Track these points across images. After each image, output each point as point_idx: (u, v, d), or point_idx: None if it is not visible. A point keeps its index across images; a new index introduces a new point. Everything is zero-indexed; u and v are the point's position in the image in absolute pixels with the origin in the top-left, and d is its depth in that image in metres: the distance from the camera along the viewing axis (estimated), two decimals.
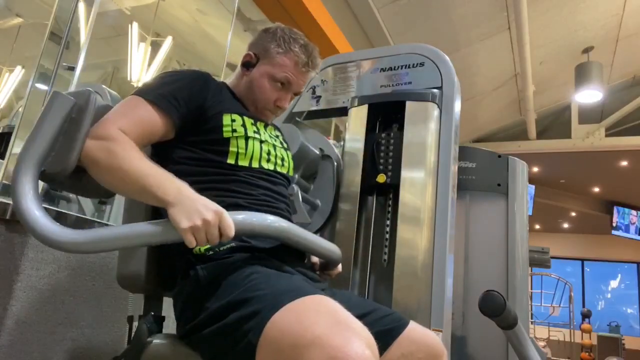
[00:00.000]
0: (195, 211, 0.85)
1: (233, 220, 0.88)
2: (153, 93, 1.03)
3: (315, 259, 1.27)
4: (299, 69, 1.18)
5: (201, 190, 0.93)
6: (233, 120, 1.10)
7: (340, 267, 1.28)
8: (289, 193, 1.26)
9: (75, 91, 0.99)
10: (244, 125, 1.12)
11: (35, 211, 0.85)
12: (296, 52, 1.17)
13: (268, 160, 1.15)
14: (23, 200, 0.85)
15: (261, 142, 1.14)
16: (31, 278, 1.35)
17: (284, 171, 1.20)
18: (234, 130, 1.09)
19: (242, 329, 0.82)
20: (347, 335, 0.72)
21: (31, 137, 0.90)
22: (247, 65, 1.20)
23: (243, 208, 1.03)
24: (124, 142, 0.94)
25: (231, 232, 0.87)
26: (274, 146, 1.19)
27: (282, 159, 1.21)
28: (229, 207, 0.98)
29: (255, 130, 1.14)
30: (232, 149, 1.08)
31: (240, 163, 1.09)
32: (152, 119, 1.01)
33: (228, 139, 1.08)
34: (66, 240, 0.85)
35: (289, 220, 1.14)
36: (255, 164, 1.11)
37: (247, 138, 1.10)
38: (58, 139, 0.91)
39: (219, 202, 0.91)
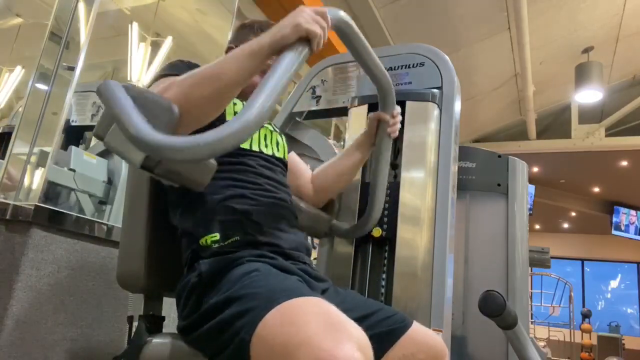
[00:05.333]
0: (292, 15, 0.88)
1: None
2: (178, 71, 1.03)
3: (379, 114, 1.32)
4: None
5: (213, 180, 0.96)
6: (234, 103, 1.16)
7: (398, 108, 1.34)
8: (306, 170, 1.30)
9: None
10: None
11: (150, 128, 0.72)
12: None
13: (266, 145, 1.21)
14: (135, 122, 0.72)
15: None
16: (31, 278, 1.35)
17: (280, 156, 1.25)
18: (235, 113, 1.14)
19: (236, 326, 0.82)
20: (338, 337, 0.71)
21: (117, 108, 0.76)
22: None
23: (248, 199, 1.06)
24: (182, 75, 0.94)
25: (325, 10, 0.90)
26: (270, 131, 1.25)
27: (277, 143, 1.26)
28: (237, 197, 1.05)
29: None
30: None
31: (242, 144, 1.12)
32: None
33: None
34: (191, 144, 0.71)
35: (293, 212, 1.17)
36: (255, 147, 1.17)
37: None
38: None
39: (227, 189, 1.00)
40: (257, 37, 0.90)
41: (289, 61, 0.83)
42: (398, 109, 1.33)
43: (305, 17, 0.86)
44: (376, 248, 1.48)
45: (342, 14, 0.97)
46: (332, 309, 0.79)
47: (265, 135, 1.22)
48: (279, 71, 0.81)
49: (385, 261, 1.45)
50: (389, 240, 1.44)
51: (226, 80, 0.90)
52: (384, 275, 1.44)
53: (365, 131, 1.37)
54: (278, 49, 0.86)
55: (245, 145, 1.13)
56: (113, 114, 0.77)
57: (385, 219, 1.45)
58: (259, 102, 0.76)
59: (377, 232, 1.43)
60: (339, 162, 1.40)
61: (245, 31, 1.25)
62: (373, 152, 1.38)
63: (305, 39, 0.86)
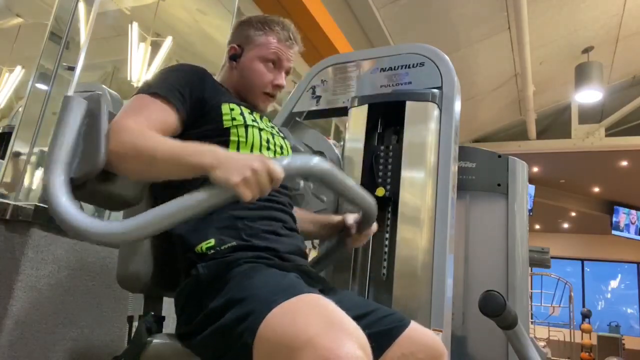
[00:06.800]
0: (240, 165, 0.84)
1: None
2: (158, 89, 1.04)
3: (350, 220, 1.27)
4: (284, 44, 1.22)
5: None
6: (232, 109, 1.12)
7: (375, 225, 1.28)
8: (295, 188, 1.26)
9: (86, 94, 0.98)
10: (242, 114, 1.14)
11: (72, 209, 0.82)
12: (276, 30, 1.21)
13: (268, 149, 1.17)
14: (58, 199, 0.82)
15: (260, 130, 1.15)
16: (31, 278, 1.35)
17: None
18: (233, 119, 1.11)
19: (238, 329, 0.82)
20: (340, 336, 0.72)
21: (53, 143, 0.88)
22: (234, 57, 1.23)
23: (246, 203, 1.04)
24: (141, 128, 0.95)
25: (280, 174, 0.86)
26: (272, 134, 1.21)
27: (281, 147, 1.22)
28: (232, 202, 1.01)
29: (253, 119, 1.16)
30: (233, 138, 1.09)
31: (242, 151, 1.10)
32: (162, 114, 1.02)
33: (228, 129, 1.09)
34: (111, 232, 0.82)
35: (291, 215, 1.16)
36: (255, 152, 1.13)
37: (246, 126, 1.12)
38: (78, 143, 0.89)
39: None
40: (203, 151, 0.89)
41: (201, 199, 0.84)
42: (373, 229, 1.28)
43: (249, 179, 0.83)
44: (379, 208, 1.48)
45: (315, 164, 0.94)
46: (332, 307, 0.79)
47: (268, 139, 1.18)
48: (187, 202, 0.84)
49: (389, 222, 1.46)
50: (392, 200, 1.45)
51: (158, 170, 0.93)
52: (387, 235, 1.46)
53: (335, 222, 1.31)
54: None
55: (246, 150, 1.11)
56: (50, 143, 0.87)
57: (389, 180, 1.47)
58: (160, 214, 0.83)
59: (380, 192, 1.45)
60: (304, 223, 1.33)
61: (244, 27, 1.23)
62: (332, 236, 1.34)
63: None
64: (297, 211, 1.35)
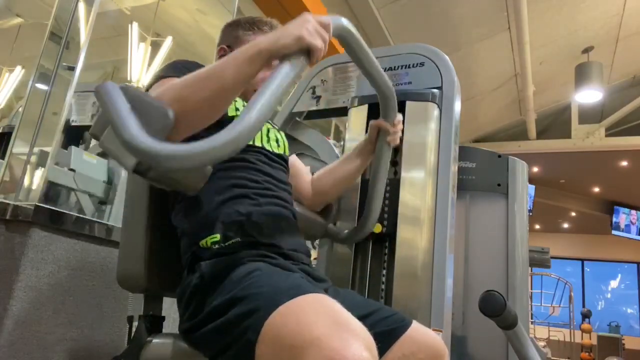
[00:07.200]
0: (295, 23, 0.85)
1: None
2: (170, 72, 1.03)
3: (377, 122, 1.28)
4: None
5: (214, 178, 0.97)
6: (235, 101, 1.14)
7: (400, 115, 1.29)
8: (306, 172, 1.33)
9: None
10: (244, 106, 1.14)
11: (143, 134, 0.72)
12: (264, 29, 1.24)
13: (268, 141, 1.20)
14: (131, 129, 0.72)
15: None
16: (31, 278, 1.35)
17: (281, 152, 1.24)
18: (237, 109, 1.13)
19: (242, 326, 0.82)
20: (346, 336, 0.71)
21: (115, 122, 0.75)
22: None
23: (250, 199, 1.06)
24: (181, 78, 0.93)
25: (329, 21, 0.88)
26: (269, 128, 1.24)
27: (277, 140, 1.25)
28: (239, 197, 1.04)
29: None
30: None
31: None
32: None
33: (233, 117, 1.10)
34: (192, 152, 0.72)
35: (292, 211, 1.16)
36: (257, 142, 1.16)
37: None
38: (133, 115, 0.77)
39: (228, 190, 1.02)
40: (256, 41, 0.88)
41: (286, 72, 0.82)
42: (399, 117, 1.29)
43: (309, 29, 0.84)
44: (376, 245, 1.48)
45: (345, 22, 0.95)
46: (337, 307, 0.79)
47: (268, 130, 1.21)
48: (275, 82, 0.80)
49: (386, 257, 1.45)
50: (389, 236, 1.43)
51: (223, 84, 0.88)
52: (384, 272, 1.44)
53: (366, 138, 1.34)
54: (276, 57, 0.85)
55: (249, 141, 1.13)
56: (108, 117, 0.77)
57: (386, 215, 1.45)
58: (254, 113, 0.76)
59: (377, 229, 1.43)
60: (339, 167, 1.38)
61: (233, 28, 1.25)
62: (373, 159, 1.35)
63: (306, 51, 0.84)
64: (330, 166, 1.40)
